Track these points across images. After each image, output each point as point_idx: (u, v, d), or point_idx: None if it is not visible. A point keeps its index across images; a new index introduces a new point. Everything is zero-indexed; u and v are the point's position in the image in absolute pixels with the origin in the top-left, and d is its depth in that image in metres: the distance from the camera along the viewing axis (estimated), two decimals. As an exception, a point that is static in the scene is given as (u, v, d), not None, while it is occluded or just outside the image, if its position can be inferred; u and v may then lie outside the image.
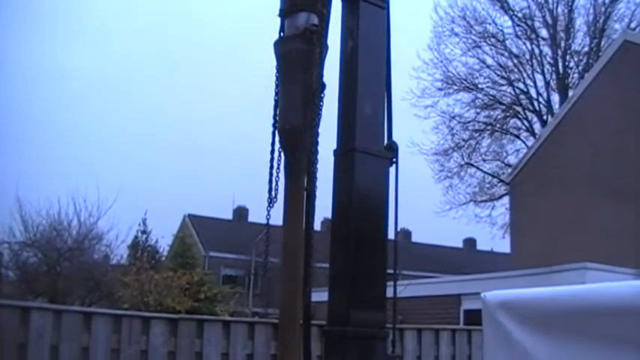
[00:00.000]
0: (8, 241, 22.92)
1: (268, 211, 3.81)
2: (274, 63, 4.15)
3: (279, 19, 4.23)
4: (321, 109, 3.79)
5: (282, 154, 3.85)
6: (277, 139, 3.90)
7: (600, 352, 2.93)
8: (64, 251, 21.70)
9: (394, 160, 3.78)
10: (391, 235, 3.68)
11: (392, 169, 3.80)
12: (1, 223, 23.02)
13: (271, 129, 3.94)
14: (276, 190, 3.75)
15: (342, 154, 3.55)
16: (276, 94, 3.93)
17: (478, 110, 35.94)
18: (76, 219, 23.16)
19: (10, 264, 23.04)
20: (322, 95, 3.81)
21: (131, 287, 18.99)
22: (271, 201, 3.74)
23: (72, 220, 23.08)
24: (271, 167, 3.78)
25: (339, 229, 3.46)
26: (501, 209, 34.90)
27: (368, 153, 3.53)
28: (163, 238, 40.93)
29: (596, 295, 3.03)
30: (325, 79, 3.92)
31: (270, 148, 3.86)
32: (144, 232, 29.69)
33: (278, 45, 4.05)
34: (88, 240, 23.41)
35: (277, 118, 3.89)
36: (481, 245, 58.14)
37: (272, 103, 4.02)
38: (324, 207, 3.61)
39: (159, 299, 18.54)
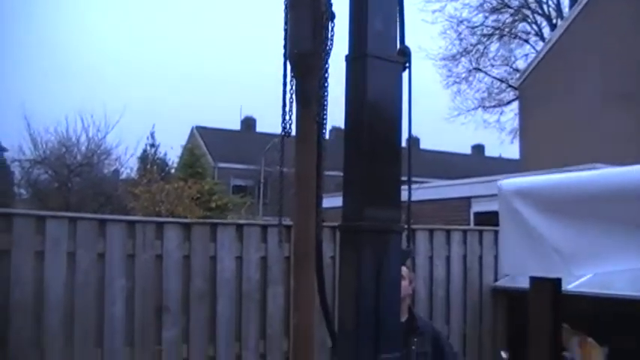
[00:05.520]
0: (18, 158, 23.14)
1: (282, 147, 3.73)
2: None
3: None
4: (331, 36, 3.71)
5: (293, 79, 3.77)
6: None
7: (613, 235, 3.00)
8: (73, 167, 21.90)
9: (407, 64, 3.75)
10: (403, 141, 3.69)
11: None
12: (10, 142, 23.21)
13: (283, 53, 3.85)
14: (290, 119, 3.67)
15: (354, 60, 3.51)
16: (286, 18, 3.85)
17: (486, 14, 35.37)
18: (85, 135, 23.30)
19: (22, 182, 23.33)
20: (332, 25, 3.72)
21: (142, 198, 19.19)
22: (285, 130, 3.67)
23: (80, 136, 23.22)
24: (284, 95, 3.71)
25: (352, 135, 3.46)
26: (510, 114, 34.90)
27: (380, 58, 3.49)
28: (172, 149, 41.15)
29: (610, 179, 3.07)
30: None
31: (282, 75, 3.78)
32: (152, 145, 29.78)
33: None
34: (97, 155, 23.59)
35: (287, 43, 3.81)
36: (490, 151, 58.27)
37: (280, 20, 3.93)
38: (331, 114, 3.59)
39: (170, 209, 18.73)
